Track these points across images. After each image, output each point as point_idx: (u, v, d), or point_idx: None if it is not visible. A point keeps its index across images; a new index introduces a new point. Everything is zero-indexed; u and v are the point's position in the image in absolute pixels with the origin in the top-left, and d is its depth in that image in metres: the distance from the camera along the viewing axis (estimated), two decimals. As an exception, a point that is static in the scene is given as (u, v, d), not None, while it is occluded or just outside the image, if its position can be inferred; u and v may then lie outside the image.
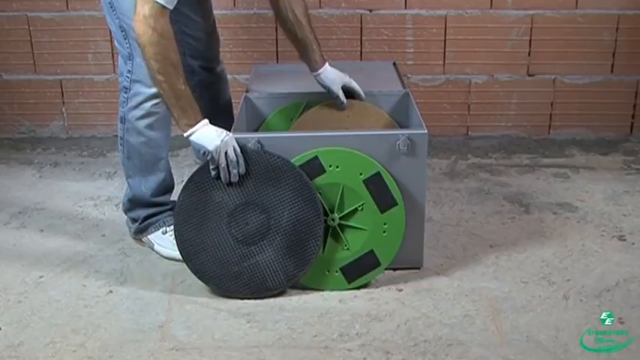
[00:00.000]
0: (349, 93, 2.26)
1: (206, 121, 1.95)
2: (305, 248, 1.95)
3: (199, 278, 2.02)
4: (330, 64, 2.23)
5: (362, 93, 2.26)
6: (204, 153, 1.94)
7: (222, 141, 1.91)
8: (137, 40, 1.89)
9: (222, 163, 1.92)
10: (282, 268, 1.96)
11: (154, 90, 2.07)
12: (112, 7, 2.05)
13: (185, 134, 1.94)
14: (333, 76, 2.22)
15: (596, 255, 2.20)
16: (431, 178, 2.69)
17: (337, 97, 2.22)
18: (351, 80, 2.25)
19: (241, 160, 1.94)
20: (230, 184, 1.95)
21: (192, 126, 1.93)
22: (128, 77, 2.11)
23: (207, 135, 1.93)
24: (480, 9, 3.00)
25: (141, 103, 2.11)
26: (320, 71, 2.21)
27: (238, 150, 1.94)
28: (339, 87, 2.22)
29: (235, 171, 1.93)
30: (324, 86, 2.23)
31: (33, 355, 1.78)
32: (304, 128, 2.23)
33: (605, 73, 3.07)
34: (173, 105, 1.93)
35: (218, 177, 1.95)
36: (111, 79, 3.09)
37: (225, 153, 1.92)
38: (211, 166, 1.94)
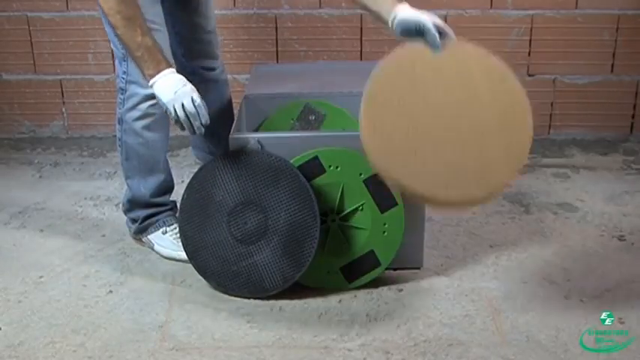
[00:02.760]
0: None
1: (167, 71, 1.86)
2: (302, 250, 1.95)
3: (201, 275, 2.02)
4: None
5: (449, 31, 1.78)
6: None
7: (175, 93, 1.83)
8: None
9: (181, 116, 1.84)
10: (279, 270, 1.96)
11: (149, 91, 2.06)
12: None
13: (150, 86, 1.88)
14: (416, 12, 1.77)
15: (596, 255, 2.20)
16: (431, 178, 2.69)
17: (431, 34, 1.73)
18: (435, 17, 1.77)
19: (202, 111, 1.85)
20: (195, 133, 1.87)
21: (152, 76, 1.85)
22: (124, 78, 2.11)
23: (164, 87, 1.85)
24: (480, 9, 3.00)
25: (137, 104, 2.10)
26: (397, 11, 1.77)
27: (198, 100, 1.85)
28: (431, 23, 1.74)
29: (197, 123, 1.85)
30: (409, 25, 1.75)
31: (33, 355, 1.78)
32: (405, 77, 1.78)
33: (605, 73, 3.07)
34: (134, 58, 1.87)
35: (183, 128, 1.88)
36: (111, 79, 3.09)
37: (183, 105, 1.84)
38: (172, 119, 1.88)
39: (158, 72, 1.86)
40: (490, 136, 1.75)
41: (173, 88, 1.85)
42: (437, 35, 1.74)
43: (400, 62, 1.77)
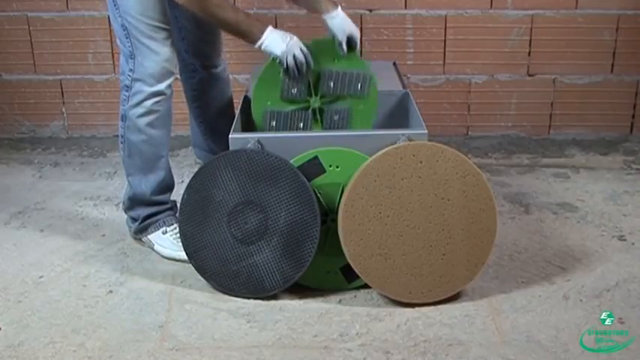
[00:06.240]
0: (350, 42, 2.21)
1: (268, 30, 2.06)
2: (302, 250, 1.95)
3: (201, 275, 2.02)
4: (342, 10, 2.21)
5: (357, 44, 2.25)
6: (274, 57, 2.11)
7: (287, 45, 2.06)
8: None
9: (291, 64, 2.08)
10: (279, 270, 1.96)
11: (154, 88, 2.08)
12: (115, 5, 2.06)
13: (255, 46, 2.08)
14: (340, 23, 2.18)
15: (596, 255, 2.20)
16: (431, 178, 2.69)
17: (340, 45, 2.19)
18: (356, 31, 2.22)
19: (309, 58, 2.11)
20: (300, 77, 2.14)
21: (259, 40, 2.06)
22: (129, 76, 2.11)
23: (272, 42, 2.07)
24: (480, 9, 3.00)
25: (142, 101, 2.11)
26: (329, 15, 2.18)
27: (305, 49, 2.09)
28: (345, 36, 2.18)
29: (304, 67, 2.11)
30: (330, 32, 2.20)
31: (33, 355, 1.78)
32: None
33: (605, 73, 3.07)
34: (238, 34, 2.08)
35: (287, 72, 2.12)
36: (111, 79, 3.10)
37: (294, 55, 2.08)
38: (282, 67, 2.11)
39: (262, 33, 2.06)
40: (456, 240, 1.91)
41: (284, 41, 2.07)
42: (344, 49, 2.18)
43: (381, 169, 1.88)
